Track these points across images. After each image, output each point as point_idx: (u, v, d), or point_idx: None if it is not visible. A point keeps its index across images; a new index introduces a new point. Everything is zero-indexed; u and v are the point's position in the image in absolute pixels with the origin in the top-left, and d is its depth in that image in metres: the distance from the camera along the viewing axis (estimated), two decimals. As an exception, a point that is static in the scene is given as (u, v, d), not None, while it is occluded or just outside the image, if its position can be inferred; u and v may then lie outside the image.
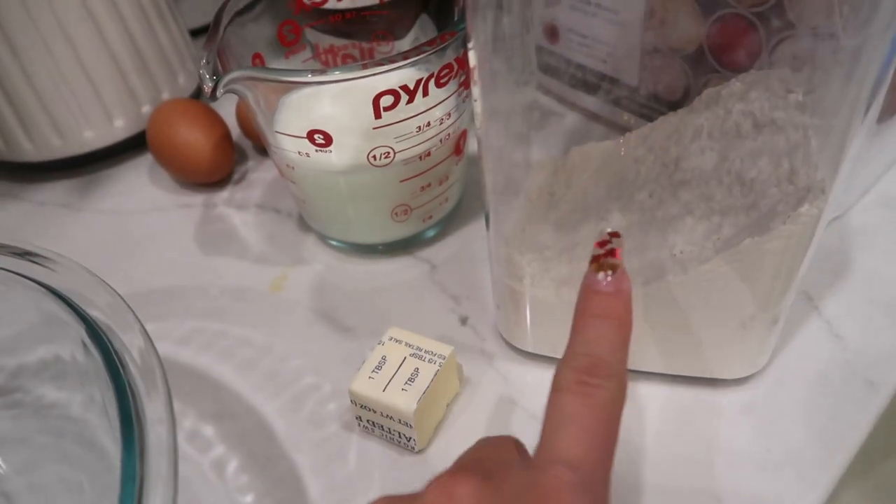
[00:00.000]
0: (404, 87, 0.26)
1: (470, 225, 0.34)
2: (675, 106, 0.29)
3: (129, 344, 0.20)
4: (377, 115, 0.26)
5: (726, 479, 0.24)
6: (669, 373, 0.27)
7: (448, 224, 0.34)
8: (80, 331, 0.21)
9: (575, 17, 0.36)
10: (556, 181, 0.31)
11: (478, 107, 0.23)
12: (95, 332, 0.20)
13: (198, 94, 0.45)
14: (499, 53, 0.25)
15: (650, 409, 0.26)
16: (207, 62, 0.27)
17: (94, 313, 0.21)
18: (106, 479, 0.25)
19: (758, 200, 0.23)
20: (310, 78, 0.25)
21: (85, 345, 0.21)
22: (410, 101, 0.26)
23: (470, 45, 0.21)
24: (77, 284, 0.22)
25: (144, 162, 0.41)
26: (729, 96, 0.27)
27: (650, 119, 0.29)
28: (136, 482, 0.18)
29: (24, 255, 0.23)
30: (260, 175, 0.39)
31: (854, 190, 0.33)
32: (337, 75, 0.25)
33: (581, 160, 0.31)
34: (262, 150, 0.40)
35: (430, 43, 0.26)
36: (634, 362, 0.27)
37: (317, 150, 0.28)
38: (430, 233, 0.33)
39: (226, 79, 0.26)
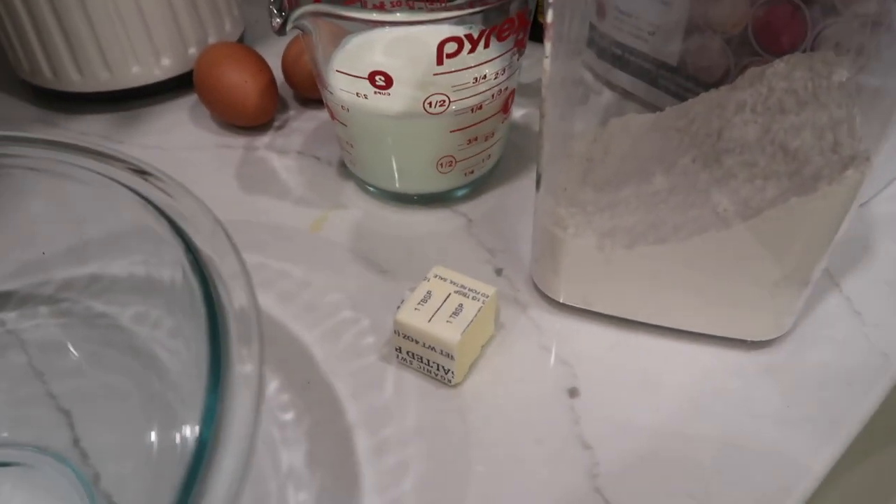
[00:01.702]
0: (468, 36, 0.27)
1: (506, 185, 0.36)
2: (712, 87, 0.30)
3: (230, 283, 0.20)
4: (440, 62, 0.27)
5: (748, 431, 0.25)
6: (696, 331, 0.28)
7: (486, 181, 0.35)
8: (174, 250, 0.21)
9: (624, -5, 0.38)
10: (595, 148, 0.32)
11: (546, 65, 0.24)
12: (195, 257, 0.20)
13: (241, 41, 0.45)
14: (565, 18, 0.26)
15: (675, 364, 0.27)
16: (277, -2, 0.28)
17: (193, 236, 0.21)
18: (154, 387, 0.26)
19: (801, 167, 0.25)
20: (378, 17, 0.26)
21: (180, 265, 0.21)
22: (472, 50, 0.28)
23: (549, 3, 0.23)
24: (185, 209, 0.22)
25: (186, 102, 0.42)
26: (773, 75, 0.28)
27: (685, 100, 0.31)
28: (215, 420, 0.17)
29: (132, 167, 0.23)
30: (300, 124, 0.40)
31: (878, 180, 0.34)
32: (405, 16, 0.26)
33: (619, 130, 0.32)
34: (304, 99, 0.41)
35: (495, -4, 0.27)
36: (664, 318, 0.28)
37: (375, 93, 0.29)
38: (464, 191, 0.34)
39: (296, 13, 0.27)
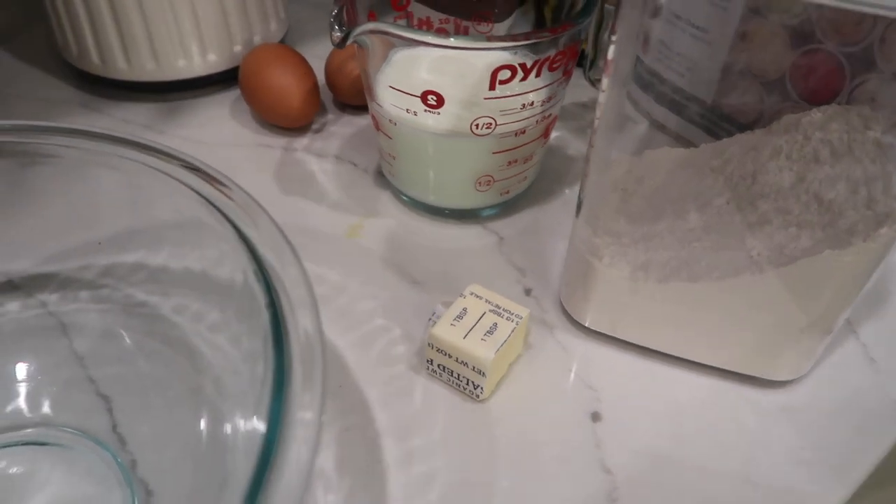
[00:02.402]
0: (522, 65, 0.28)
1: (538, 205, 0.36)
2: (744, 128, 0.31)
3: (295, 302, 0.20)
4: (492, 87, 0.28)
5: (763, 468, 0.26)
6: (721, 366, 0.29)
7: (518, 201, 0.36)
8: (235, 251, 0.21)
9: (666, 30, 0.38)
10: (629, 178, 0.33)
11: (602, 98, 0.25)
12: (263, 270, 0.20)
13: (283, 41, 0.46)
14: (631, 48, 0.27)
15: (695, 396, 0.28)
16: (338, 12, 0.29)
17: (262, 249, 0.21)
18: (195, 379, 0.26)
19: (835, 220, 0.26)
20: (439, 41, 0.27)
21: (245, 273, 0.21)
22: (524, 79, 0.28)
23: (614, 37, 0.23)
24: (246, 210, 0.23)
25: (228, 98, 0.43)
26: (809, 124, 0.29)
27: (717, 137, 0.32)
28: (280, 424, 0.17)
29: (185, 163, 0.24)
30: (339, 129, 0.41)
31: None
32: (463, 42, 0.27)
33: (653, 162, 0.33)
34: (343, 104, 0.42)
35: (552, 31, 0.28)
36: (687, 351, 0.29)
37: (426, 111, 0.30)
38: (494, 210, 0.35)
39: (359, 29, 0.28)
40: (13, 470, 0.25)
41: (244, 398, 0.22)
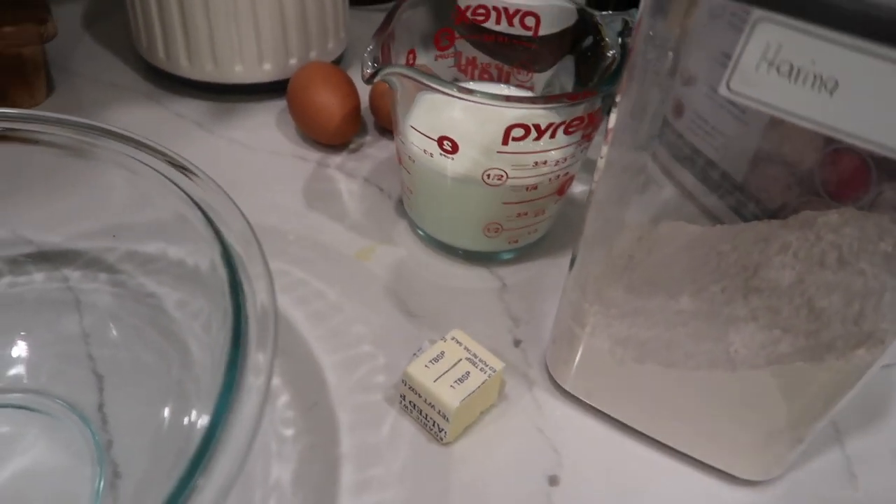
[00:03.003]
0: (536, 126, 0.29)
1: (546, 259, 0.37)
2: (770, 212, 0.30)
3: (254, 278, 0.23)
4: (504, 142, 0.29)
5: (708, 563, 0.26)
6: (690, 454, 0.29)
7: (528, 251, 0.37)
8: (209, 246, 0.24)
9: (704, 102, 0.38)
10: (639, 247, 0.33)
11: (601, 163, 0.26)
12: (229, 259, 0.23)
13: (339, 60, 0.48)
14: (635, 120, 0.27)
15: (659, 479, 0.28)
16: (373, 49, 0.30)
17: (228, 237, 0.24)
18: (179, 373, 0.28)
19: (820, 329, 0.25)
20: (458, 94, 0.28)
21: (211, 259, 0.24)
22: (538, 138, 0.29)
23: (614, 108, 0.24)
24: (216, 203, 0.25)
25: (275, 107, 0.45)
26: (824, 224, 0.28)
27: (742, 216, 0.31)
28: (227, 408, 0.20)
29: (178, 166, 0.26)
30: (374, 151, 0.42)
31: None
32: (481, 98, 0.28)
33: (667, 235, 0.33)
34: (382, 129, 0.44)
35: (571, 96, 0.28)
36: (658, 433, 0.29)
37: (441, 154, 0.31)
38: (509, 255, 0.36)
39: (386, 70, 0.29)
40: (3, 432, 0.27)
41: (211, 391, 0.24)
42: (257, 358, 0.21)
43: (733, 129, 0.40)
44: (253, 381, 0.20)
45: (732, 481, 0.28)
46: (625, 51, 0.33)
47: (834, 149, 0.33)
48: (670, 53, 0.24)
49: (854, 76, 0.19)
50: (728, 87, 0.21)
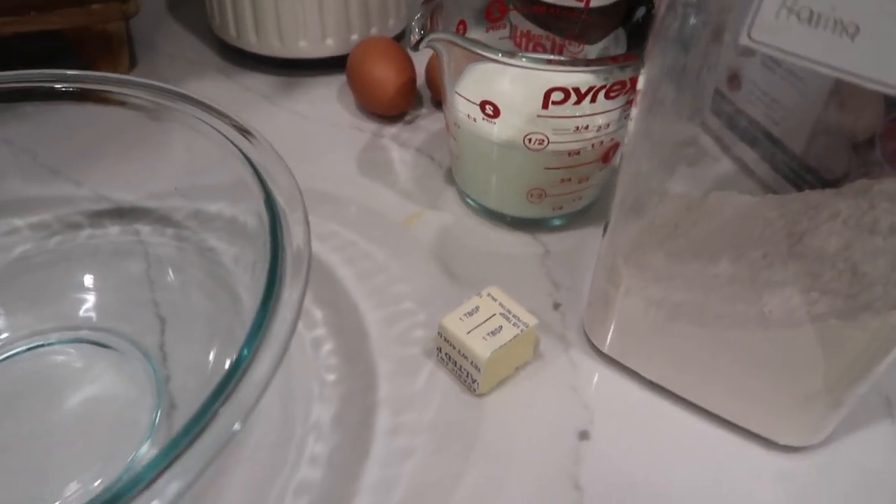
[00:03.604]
0: (576, 89, 0.29)
1: (593, 227, 0.37)
2: (828, 184, 0.30)
3: (294, 226, 0.24)
4: (545, 106, 0.30)
5: (735, 524, 0.26)
6: (726, 417, 0.28)
7: (574, 219, 0.37)
8: (260, 202, 0.26)
9: (762, 73, 0.37)
10: (686, 217, 0.32)
11: (631, 126, 0.26)
12: (273, 208, 0.25)
13: (400, 37, 0.50)
14: (670, 84, 0.27)
15: (692, 441, 0.28)
16: (421, 17, 0.31)
17: (276, 195, 0.26)
18: (234, 319, 0.30)
19: (861, 292, 0.25)
20: (498, 57, 0.29)
21: (259, 214, 0.25)
22: (578, 102, 0.29)
23: (643, 70, 0.24)
24: (270, 164, 0.27)
25: (336, 81, 0.47)
26: (879, 192, 0.27)
27: (800, 188, 0.31)
28: (259, 335, 0.22)
29: (240, 129, 0.28)
30: (428, 123, 0.43)
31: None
32: (521, 62, 0.29)
33: (717, 206, 0.32)
34: (438, 103, 0.45)
35: (613, 59, 0.29)
36: (693, 395, 0.29)
37: (483, 119, 0.31)
38: (556, 222, 0.36)
39: (431, 36, 0.30)
40: (77, 364, 0.29)
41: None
42: (289, 292, 0.22)
43: (792, 100, 0.39)
44: (283, 313, 0.22)
45: (770, 446, 0.28)
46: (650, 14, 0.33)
47: (894, 117, 0.32)
48: (697, 18, 0.24)
49: (874, 20, 0.18)
50: (749, 37, 0.21)
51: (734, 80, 0.40)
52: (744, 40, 0.21)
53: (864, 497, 0.27)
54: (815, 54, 0.20)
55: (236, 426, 0.19)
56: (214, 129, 0.29)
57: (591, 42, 0.39)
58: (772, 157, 0.40)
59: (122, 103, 0.32)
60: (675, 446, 0.28)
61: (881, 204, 0.27)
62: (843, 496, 0.27)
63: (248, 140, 0.29)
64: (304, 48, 0.45)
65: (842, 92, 0.34)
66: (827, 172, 0.36)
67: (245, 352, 0.20)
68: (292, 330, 0.21)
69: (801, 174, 0.38)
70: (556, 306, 0.33)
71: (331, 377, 0.30)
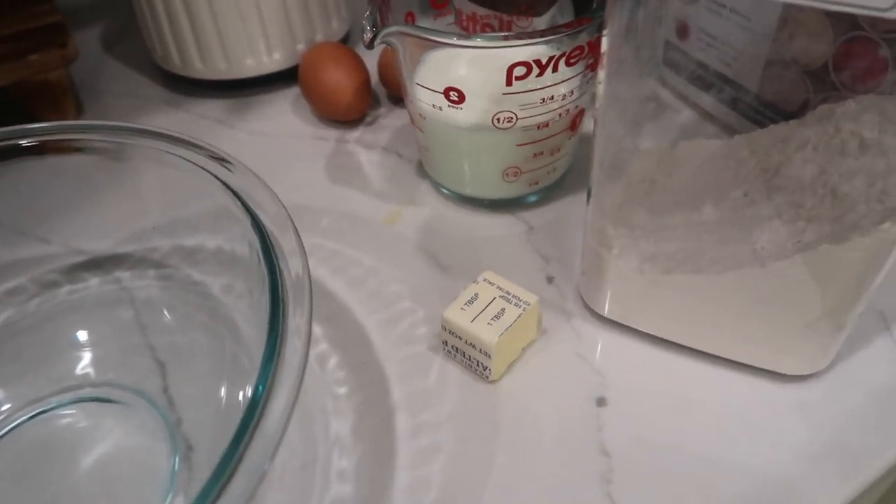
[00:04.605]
0: (537, 61, 0.29)
1: (570, 197, 0.37)
2: (790, 116, 0.30)
3: (287, 249, 0.24)
4: (508, 83, 0.30)
5: (768, 462, 0.26)
6: (733, 359, 0.29)
7: (551, 192, 0.37)
8: (247, 228, 0.25)
9: (708, 17, 0.38)
10: (659, 170, 0.33)
11: (601, 89, 0.26)
12: (263, 234, 0.24)
13: (346, 39, 0.49)
14: (630, 43, 0.27)
15: (706, 388, 0.28)
16: (370, 14, 0.31)
17: (263, 219, 0.25)
18: (231, 348, 0.30)
19: (845, 213, 0.25)
20: (455, 41, 0.29)
21: (249, 241, 0.25)
22: (540, 74, 0.29)
23: (605, 32, 0.24)
24: (252, 189, 0.26)
25: (290, 94, 0.46)
26: (842, 115, 0.28)
27: (762, 126, 0.31)
28: (272, 369, 0.21)
29: (216, 157, 0.28)
30: (389, 121, 0.43)
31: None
32: (479, 42, 0.29)
33: (686, 154, 0.33)
34: (396, 98, 0.44)
35: (567, 25, 0.29)
36: (699, 343, 0.29)
37: (449, 106, 0.31)
38: (533, 198, 0.36)
39: (384, 31, 0.30)
40: (82, 423, 0.29)
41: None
42: (295, 320, 0.22)
43: (742, 40, 0.39)
44: (292, 342, 0.21)
45: (781, 379, 0.28)
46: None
47: (845, 39, 0.33)
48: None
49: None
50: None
51: (683, 29, 0.40)
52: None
53: (876, 410, 0.27)
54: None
55: (265, 465, 0.19)
56: (187, 160, 0.28)
57: (538, 14, 0.38)
58: (731, 100, 0.40)
59: (80, 150, 0.31)
60: (690, 395, 0.28)
61: (846, 126, 0.28)
62: (856, 413, 0.27)
63: (226, 167, 0.29)
64: (252, 66, 0.45)
65: (790, 23, 0.35)
66: (786, 105, 0.37)
67: (260, 388, 0.20)
68: (305, 359, 0.21)
69: (762, 111, 0.39)
70: (550, 280, 0.33)
71: (342, 390, 0.30)
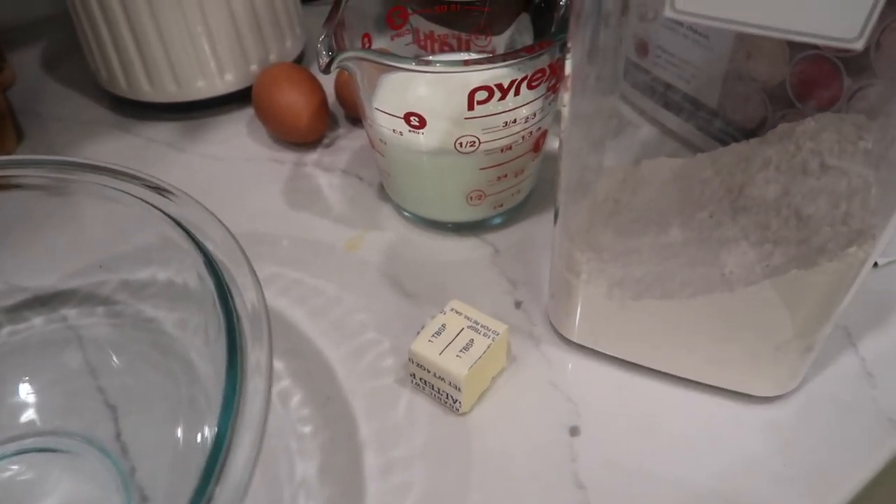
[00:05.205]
0: (499, 86, 0.28)
1: (535, 218, 0.37)
2: (750, 134, 0.30)
3: (241, 280, 0.23)
4: (470, 107, 0.29)
5: (741, 485, 0.26)
6: (704, 381, 0.29)
7: (515, 214, 0.37)
8: (196, 260, 0.24)
9: (666, 35, 0.38)
10: (623, 189, 0.33)
11: (565, 111, 0.26)
12: (213, 266, 0.23)
13: (300, 58, 0.48)
14: (593, 64, 0.27)
15: (677, 411, 0.28)
16: (326, 38, 0.30)
17: (212, 249, 0.24)
18: (188, 389, 0.28)
19: (810, 236, 0.25)
20: (415, 66, 0.28)
21: (199, 272, 0.24)
22: (502, 98, 0.29)
23: (568, 54, 0.24)
24: (196, 218, 0.25)
25: (244, 116, 0.45)
26: (802, 133, 0.28)
27: (723, 143, 0.31)
28: (233, 410, 0.20)
29: (155, 188, 0.26)
30: (348, 143, 0.42)
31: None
32: (440, 67, 0.28)
33: (650, 173, 0.33)
34: (354, 119, 0.43)
35: (528, 49, 0.28)
36: (670, 366, 0.29)
37: (410, 131, 0.30)
38: (498, 220, 0.36)
39: (341, 56, 0.29)
40: (26, 476, 0.27)
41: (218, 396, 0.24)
42: (255, 357, 0.21)
43: (699, 57, 0.39)
44: (254, 381, 0.20)
45: (751, 401, 0.28)
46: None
47: (801, 57, 0.33)
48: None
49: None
50: (673, 8, 0.21)
51: (642, 47, 0.40)
52: (668, 13, 0.21)
53: (845, 428, 0.27)
54: (738, 15, 0.20)
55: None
56: (126, 192, 0.27)
57: (497, 32, 0.38)
58: (690, 116, 0.40)
59: (17, 186, 0.29)
60: (661, 419, 0.28)
61: (806, 144, 0.28)
62: (826, 431, 0.27)
63: (166, 197, 0.27)
64: (203, 88, 0.43)
65: (747, 43, 0.35)
66: (746, 122, 0.37)
67: (223, 431, 0.19)
68: (268, 396, 0.20)
69: (723, 128, 0.39)
70: (518, 304, 0.33)
71: (307, 429, 0.28)
